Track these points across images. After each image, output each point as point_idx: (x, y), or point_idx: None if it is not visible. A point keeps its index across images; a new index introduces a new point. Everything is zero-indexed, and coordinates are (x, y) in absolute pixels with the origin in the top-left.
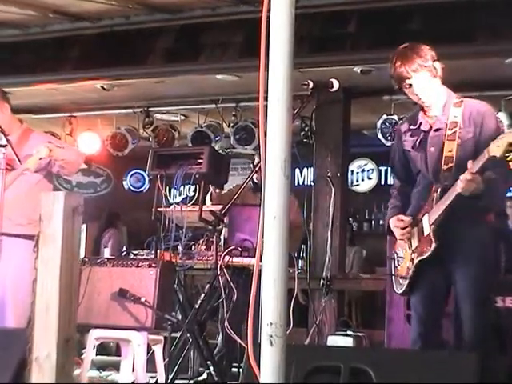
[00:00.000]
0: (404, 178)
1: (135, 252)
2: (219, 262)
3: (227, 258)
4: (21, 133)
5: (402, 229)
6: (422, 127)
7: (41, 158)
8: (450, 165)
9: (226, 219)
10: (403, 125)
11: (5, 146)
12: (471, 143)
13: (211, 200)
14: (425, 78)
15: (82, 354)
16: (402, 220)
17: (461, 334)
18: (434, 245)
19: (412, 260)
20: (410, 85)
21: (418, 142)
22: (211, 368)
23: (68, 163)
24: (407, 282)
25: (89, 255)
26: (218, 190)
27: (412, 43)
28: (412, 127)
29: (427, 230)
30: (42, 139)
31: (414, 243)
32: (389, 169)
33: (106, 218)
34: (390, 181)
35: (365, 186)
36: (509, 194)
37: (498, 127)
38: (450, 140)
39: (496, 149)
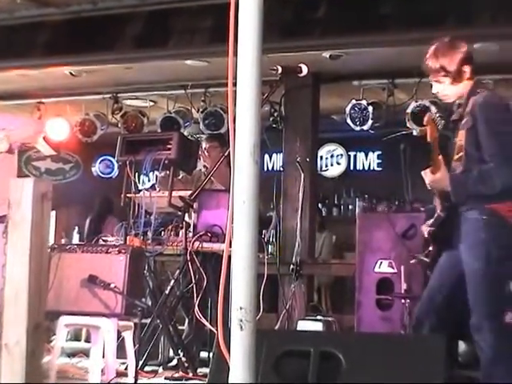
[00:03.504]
0: None
1: (105, 238)
2: (189, 248)
3: (197, 243)
4: None
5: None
6: (453, 117)
7: (1, 152)
8: (461, 154)
9: (195, 204)
10: None
11: None
12: (473, 133)
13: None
14: (443, 84)
15: (52, 340)
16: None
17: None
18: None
19: None
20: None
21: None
22: (181, 354)
23: (28, 138)
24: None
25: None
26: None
27: (451, 41)
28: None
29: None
30: None
31: None
32: (357, 154)
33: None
34: (359, 166)
35: (334, 171)
36: None
37: (491, 119)
38: (461, 129)
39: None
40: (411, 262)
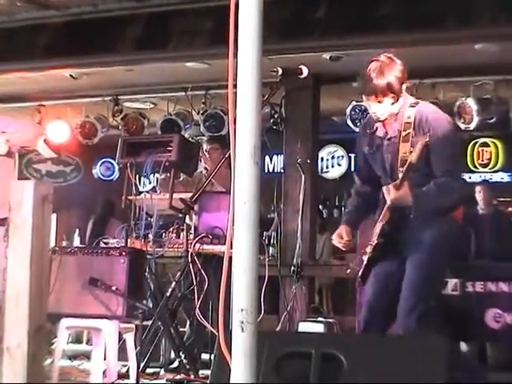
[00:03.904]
0: (365, 179)
1: (106, 240)
2: (190, 250)
3: (198, 245)
4: None
5: (344, 243)
6: (377, 133)
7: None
8: (406, 167)
9: (196, 206)
10: (362, 126)
11: None
12: (425, 149)
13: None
14: (384, 104)
15: (53, 343)
16: (342, 237)
17: None
18: (375, 241)
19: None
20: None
21: (374, 147)
22: (182, 356)
23: (28, 142)
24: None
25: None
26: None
27: (391, 58)
28: (369, 131)
29: (377, 227)
30: None
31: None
32: None
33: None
34: None
35: (335, 172)
36: (478, 180)
37: (446, 135)
38: (404, 142)
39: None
40: (347, 272)
